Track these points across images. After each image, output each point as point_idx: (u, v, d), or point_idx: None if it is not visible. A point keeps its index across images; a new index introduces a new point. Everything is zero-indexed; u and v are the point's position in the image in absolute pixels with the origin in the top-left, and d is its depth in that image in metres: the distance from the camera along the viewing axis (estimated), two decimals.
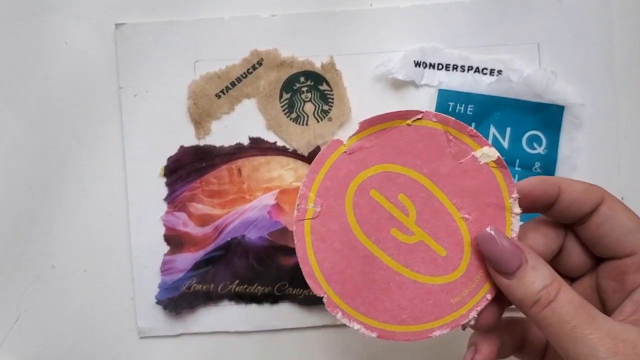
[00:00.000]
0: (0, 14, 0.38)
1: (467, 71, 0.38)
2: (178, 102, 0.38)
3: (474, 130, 0.26)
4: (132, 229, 0.38)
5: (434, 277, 0.26)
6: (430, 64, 0.38)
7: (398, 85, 0.38)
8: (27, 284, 0.39)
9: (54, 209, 0.39)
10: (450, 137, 0.26)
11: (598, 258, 0.28)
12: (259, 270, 0.38)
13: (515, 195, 0.26)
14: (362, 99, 0.38)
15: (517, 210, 0.26)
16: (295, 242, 0.26)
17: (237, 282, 0.38)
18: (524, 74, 0.38)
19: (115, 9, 0.38)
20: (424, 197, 0.26)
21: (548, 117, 0.38)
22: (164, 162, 0.38)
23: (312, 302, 0.38)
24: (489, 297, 0.26)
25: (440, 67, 0.38)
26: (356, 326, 0.26)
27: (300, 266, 0.26)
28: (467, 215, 0.26)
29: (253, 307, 0.38)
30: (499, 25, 0.38)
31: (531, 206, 0.27)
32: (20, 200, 0.38)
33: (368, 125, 0.26)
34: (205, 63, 0.38)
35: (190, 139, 0.38)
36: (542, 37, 0.38)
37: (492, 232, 0.25)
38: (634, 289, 0.25)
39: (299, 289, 0.38)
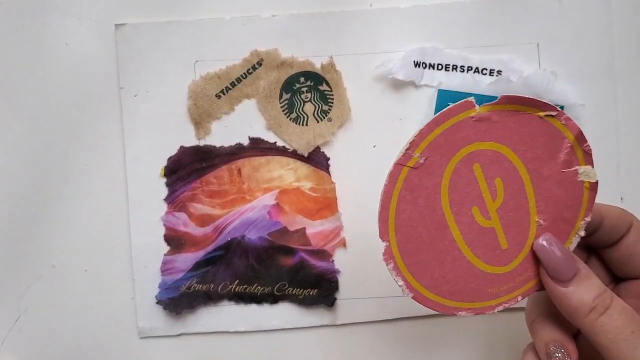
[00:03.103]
0: (0, 14, 0.39)
1: (467, 71, 0.38)
2: (178, 102, 0.38)
3: (590, 147, 0.27)
4: (132, 229, 0.38)
5: (486, 264, 0.27)
6: (430, 64, 0.38)
7: (398, 85, 0.38)
8: (27, 283, 0.39)
9: (55, 209, 0.39)
10: (568, 144, 0.26)
11: (617, 278, 0.29)
12: (259, 270, 0.38)
13: (587, 219, 0.27)
14: (362, 99, 0.38)
15: (582, 233, 0.27)
16: (386, 182, 0.26)
17: (237, 282, 0.38)
18: (523, 74, 0.38)
19: (116, 9, 0.38)
20: (516, 189, 0.26)
21: None
22: (164, 163, 0.38)
23: (312, 302, 0.38)
24: (520, 299, 0.27)
25: (440, 67, 0.38)
26: (400, 282, 0.26)
27: (379, 206, 0.26)
28: (541, 221, 0.27)
29: (253, 307, 0.39)
30: (498, 25, 0.38)
31: None
32: (20, 200, 0.39)
33: (507, 101, 0.26)
34: (206, 63, 0.38)
35: (190, 139, 0.38)
36: (541, 37, 0.38)
37: (546, 242, 0.26)
38: None
39: (298, 289, 0.38)
